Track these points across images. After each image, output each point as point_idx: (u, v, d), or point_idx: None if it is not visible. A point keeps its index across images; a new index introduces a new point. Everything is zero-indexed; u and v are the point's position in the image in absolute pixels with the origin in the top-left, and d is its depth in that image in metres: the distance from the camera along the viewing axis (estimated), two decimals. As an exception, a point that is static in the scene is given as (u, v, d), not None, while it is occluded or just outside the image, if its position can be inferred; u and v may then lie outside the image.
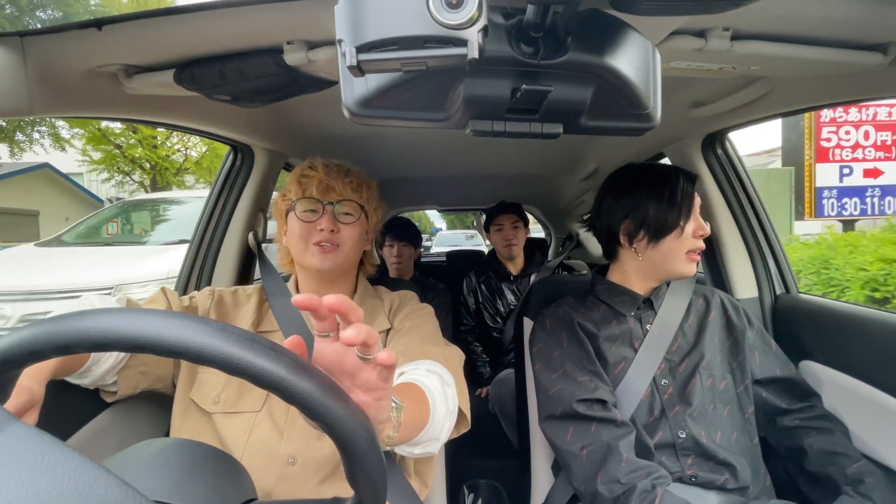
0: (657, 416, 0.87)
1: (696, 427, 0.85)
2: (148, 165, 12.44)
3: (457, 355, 0.88)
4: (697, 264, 1.00)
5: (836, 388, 0.98)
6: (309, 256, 0.87)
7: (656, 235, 0.91)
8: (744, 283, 1.26)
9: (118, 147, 11.91)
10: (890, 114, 6.60)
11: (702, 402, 0.87)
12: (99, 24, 0.59)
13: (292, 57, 0.68)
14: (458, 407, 0.75)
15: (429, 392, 0.68)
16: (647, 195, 0.92)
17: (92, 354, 0.70)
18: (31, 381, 0.56)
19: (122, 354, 0.76)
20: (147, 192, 12.78)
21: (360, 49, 0.33)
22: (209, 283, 1.28)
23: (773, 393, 0.94)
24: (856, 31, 0.68)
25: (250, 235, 1.28)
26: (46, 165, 14.84)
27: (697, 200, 0.93)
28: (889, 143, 6.82)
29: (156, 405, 0.94)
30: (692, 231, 0.91)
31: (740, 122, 1.12)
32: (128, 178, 13.16)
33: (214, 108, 0.90)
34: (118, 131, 11.63)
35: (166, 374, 0.83)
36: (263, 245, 1.31)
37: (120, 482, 0.29)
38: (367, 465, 0.38)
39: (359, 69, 0.34)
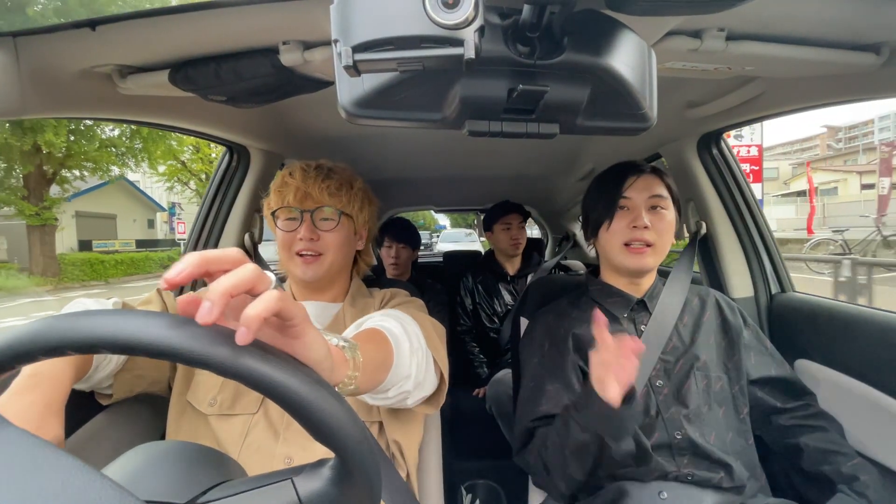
0: (653, 416, 0.87)
1: (692, 428, 0.85)
2: (204, 176, 15.07)
3: (429, 321, 0.86)
4: (693, 264, 1.01)
5: (832, 386, 0.98)
6: (293, 267, 0.88)
7: (592, 230, 1.00)
8: (739, 282, 1.27)
9: (182, 163, 14.56)
10: (749, 150, 9.31)
11: (697, 403, 0.87)
12: (93, 24, 0.59)
13: (288, 57, 0.67)
14: (428, 350, 0.74)
15: (388, 331, 0.68)
16: (588, 195, 1.03)
17: (94, 360, 0.69)
18: (49, 418, 0.55)
19: (122, 358, 0.75)
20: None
21: (356, 49, 0.33)
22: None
23: (768, 392, 0.94)
24: (849, 32, 0.68)
25: (246, 236, 1.28)
26: (123, 178, 18.14)
27: (645, 193, 0.93)
28: (748, 171, 9.27)
29: (151, 408, 0.93)
30: (626, 224, 0.93)
31: (735, 122, 1.12)
32: (185, 188, 15.89)
33: (210, 108, 0.89)
34: (176, 147, 13.70)
35: (162, 377, 0.82)
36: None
37: (114, 485, 0.29)
38: (316, 410, 0.33)
39: (355, 69, 0.34)
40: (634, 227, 0.92)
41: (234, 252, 0.37)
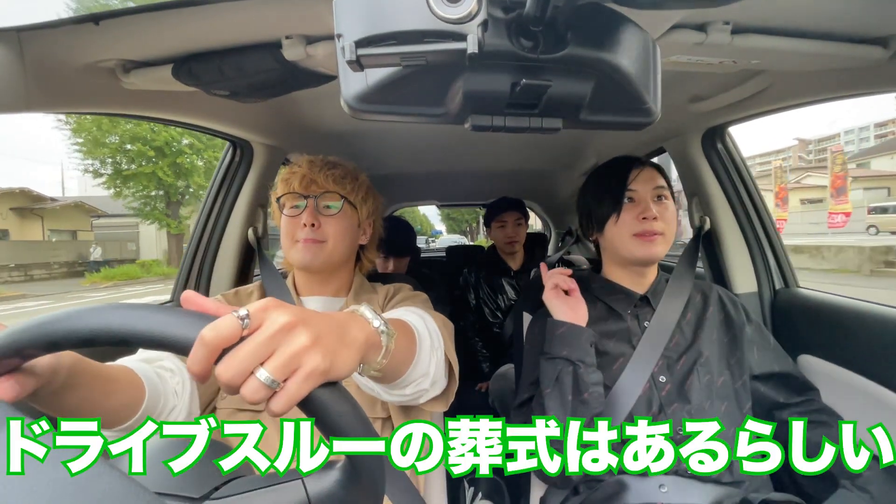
0: (655, 412, 0.88)
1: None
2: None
3: (440, 318, 0.87)
4: (697, 259, 1.00)
5: (835, 382, 0.98)
6: (295, 253, 0.88)
7: (598, 225, 0.99)
8: (743, 277, 1.26)
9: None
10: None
11: (699, 399, 0.87)
12: (96, 18, 0.59)
13: (291, 52, 0.67)
14: (444, 352, 0.75)
15: (413, 325, 0.67)
16: (588, 191, 1.02)
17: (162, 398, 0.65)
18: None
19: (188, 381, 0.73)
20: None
21: (360, 44, 0.33)
22: (209, 280, 1.28)
23: (771, 387, 0.94)
24: (856, 25, 0.67)
25: (250, 231, 1.28)
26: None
27: (650, 185, 0.94)
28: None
29: None
30: (634, 216, 0.93)
31: (740, 116, 1.11)
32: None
33: (213, 103, 0.89)
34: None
35: None
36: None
37: (123, 476, 0.30)
38: (331, 411, 0.35)
39: (358, 64, 0.34)
40: (644, 218, 0.92)
41: (209, 303, 0.36)
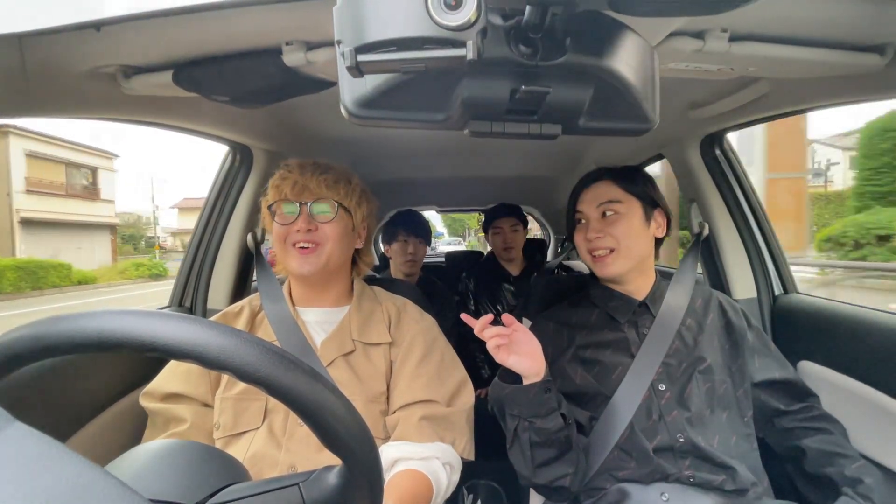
0: (655, 419, 0.87)
1: (694, 432, 0.84)
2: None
3: (464, 396, 0.89)
4: (697, 265, 1.00)
5: (835, 388, 0.98)
6: (290, 260, 0.86)
7: (571, 244, 1.06)
8: (742, 283, 1.26)
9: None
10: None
11: (700, 406, 0.87)
12: (97, 25, 0.59)
13: (291, 58, 0.68)
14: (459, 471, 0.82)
15: (433, 476, 0.74)
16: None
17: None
18: None
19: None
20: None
21: (359, 50, 0.33)
22: (207, 284, 1.28)
23: (771, 394, 0.94)
24: (853, 33, 0.68)
25: (249, 236, 1.28)
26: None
27: (595, 202, 0.96)
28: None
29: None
30: (582, 237, 0.98)
31: (738, 123, 1.12)
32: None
33: (213, 108, 0.90)
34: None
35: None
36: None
37: (119, 483, 0.29)
38: (331, 419, 0.34)
39: (358, 70, 0.34)
40: (588, 238, 0.96)
41: None
